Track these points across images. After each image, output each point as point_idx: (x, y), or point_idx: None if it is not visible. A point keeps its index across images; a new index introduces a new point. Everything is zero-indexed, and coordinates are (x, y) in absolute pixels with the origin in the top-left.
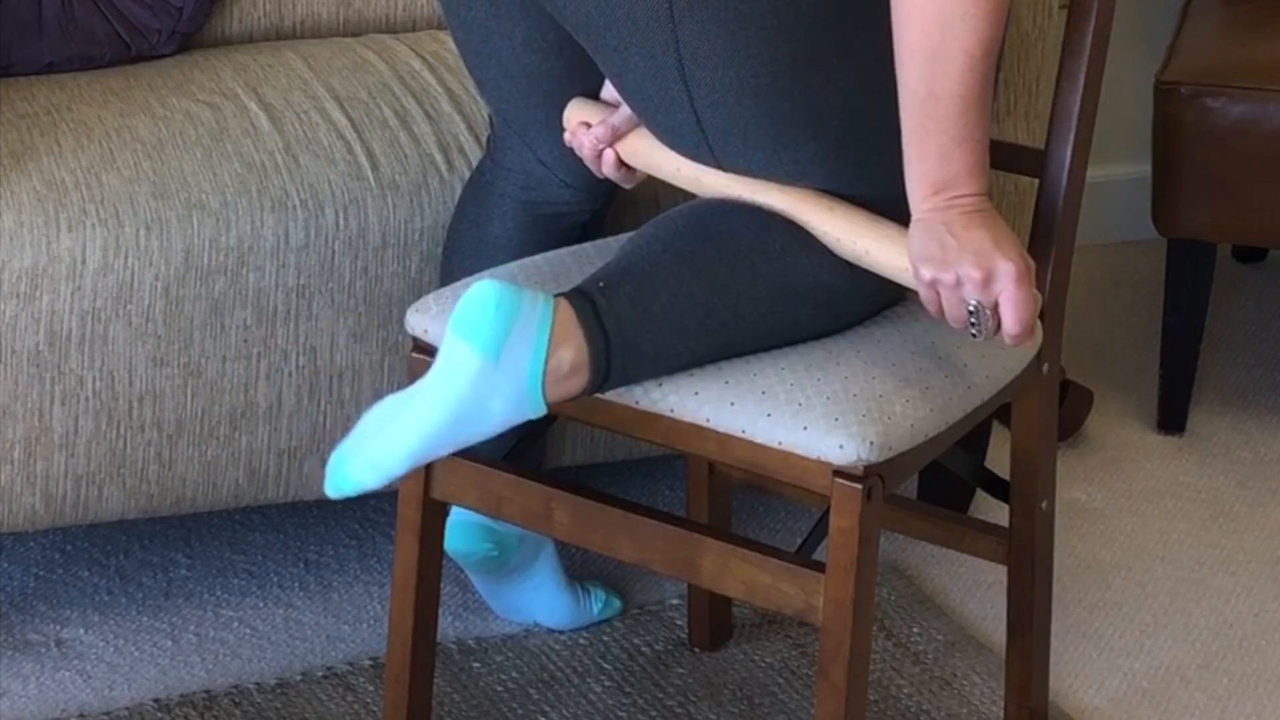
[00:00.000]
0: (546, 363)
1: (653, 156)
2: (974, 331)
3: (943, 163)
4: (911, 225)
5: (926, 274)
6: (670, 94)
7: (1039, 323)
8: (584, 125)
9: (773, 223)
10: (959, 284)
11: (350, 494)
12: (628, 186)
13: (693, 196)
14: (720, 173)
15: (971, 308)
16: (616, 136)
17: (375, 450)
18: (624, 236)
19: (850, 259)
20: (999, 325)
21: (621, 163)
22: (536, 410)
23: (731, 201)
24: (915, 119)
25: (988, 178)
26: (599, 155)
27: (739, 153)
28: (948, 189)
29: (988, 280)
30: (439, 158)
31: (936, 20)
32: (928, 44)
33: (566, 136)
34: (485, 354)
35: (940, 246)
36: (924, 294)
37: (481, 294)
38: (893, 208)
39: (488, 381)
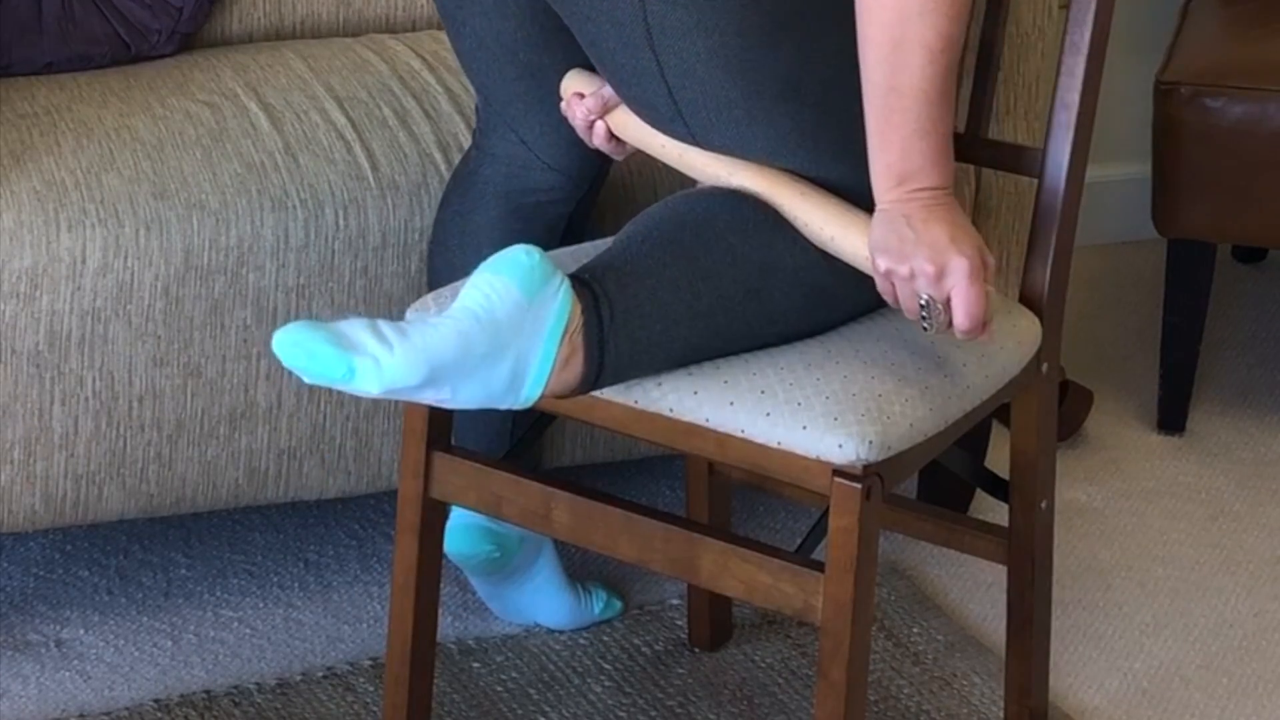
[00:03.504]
0: (561, 340)
1: (641, 130)
2: (925, 325)
3: (905, 155)
4: (875, 215)
5: (882, 264)
6: (641, 64)
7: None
8: (578, 96)
9: (744, 203)
10: (913, 276)
11: (328, 378)
12: (618, 159)
13: (689, 180)
14: (702, 150)
15: (923, 301)
16: (607, 108)
17: (388, 349)
18: None
19: (818, 244)
20: (951, 320)
21: (612, 135)
22: (527, 397)
23: (705, 188)
24: (877, 111)
25: (951, 170)
26: (590, 126)
27: (713, 127)
28: (910, 181)
29: (940, 275)
30: (439, 158)
31: (895, 14)
32: (887, 38)
33: (562, 106)
34: (525, 290)
35: (898, 238)
36: (880, 283)
37: (523, 250)
38: (867, 197)
39: (519, 319)
